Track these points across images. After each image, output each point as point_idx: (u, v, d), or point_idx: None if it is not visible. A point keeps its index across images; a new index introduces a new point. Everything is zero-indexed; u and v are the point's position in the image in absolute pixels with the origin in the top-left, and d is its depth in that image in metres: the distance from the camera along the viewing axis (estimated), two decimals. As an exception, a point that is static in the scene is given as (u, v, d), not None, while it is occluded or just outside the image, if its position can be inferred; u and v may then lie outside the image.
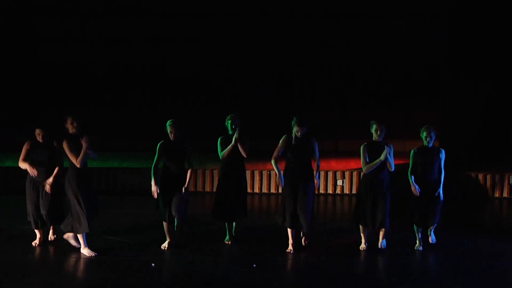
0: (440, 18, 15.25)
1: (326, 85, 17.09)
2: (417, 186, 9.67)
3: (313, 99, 17.07)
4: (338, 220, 12.35)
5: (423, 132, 9.77)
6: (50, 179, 9.86)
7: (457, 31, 14.72)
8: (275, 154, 9.79)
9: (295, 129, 9.70)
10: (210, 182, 14.16)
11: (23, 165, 9.89)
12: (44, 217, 10.02)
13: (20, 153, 9.96)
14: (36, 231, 10.15)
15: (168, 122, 9.89)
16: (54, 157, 9.96)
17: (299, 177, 9.76)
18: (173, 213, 9.91)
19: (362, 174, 9.96)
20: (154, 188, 9.82)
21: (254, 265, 9.35)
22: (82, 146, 9.56)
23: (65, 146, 9.64)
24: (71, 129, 9.73)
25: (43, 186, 9.91)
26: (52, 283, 8.68)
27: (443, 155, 9.75)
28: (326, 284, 8.75)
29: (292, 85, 17.17)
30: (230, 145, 9.91)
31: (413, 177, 9.74)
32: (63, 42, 17.07)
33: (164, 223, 10.05)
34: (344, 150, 15.93)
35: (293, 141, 9.71)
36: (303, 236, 10.04)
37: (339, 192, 14.21)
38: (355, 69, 17.03)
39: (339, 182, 14.12)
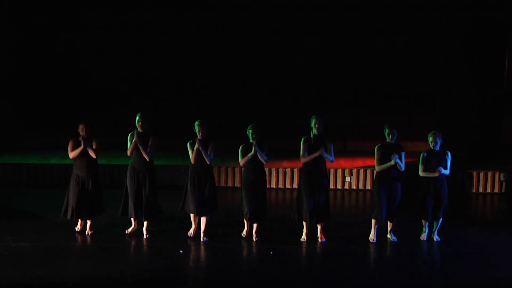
0: (437, 32, 15.30)
1: (336, 91, 17.15)
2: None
3: (324, 104, 17.14)
4: (346, 213, 12.42)
5: (429, 137, 9.89)
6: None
7: (451, 43, 14.76)
8: (302, 154, 9.87)
9: (313, 126, 9.83)
10: (232, 178, 14.22)
11: (72, 154, 10.12)
12: (86, 211, 10.25)
13: (65, 153, 10.29)
14: (79, 220, 10.40)
15: (196, 122, 10.01)
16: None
17: (315, 175, 9.87)
18: (202, 205, 10.06)
19: (375, 172, 10.07)
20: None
21: (271, 252, 9.52)
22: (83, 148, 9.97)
23: (69, 144, 10.09)
24: (81, 133, 10.06)
25: (88, 182, 10.16)
26: (88, 267, 8.97)
27: (448, 157, 9.86)
28: (336, 268, 8.96)
29: (306, 92, 17.26)
30: (250, 154, 9.88)
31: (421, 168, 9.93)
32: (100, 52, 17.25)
33: (191, 215, 10.22)
34: (352, 150, 15.98)
35: (312, 141, 9.82)
36: (320, 228, 10.09)
37: (347, 188, 14.28)
38: (362, 77, 17.10)
39: (347, 179, 14.19)
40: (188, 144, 10.07)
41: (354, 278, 8.66)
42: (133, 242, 10.01)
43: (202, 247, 9.85)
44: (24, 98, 16.64)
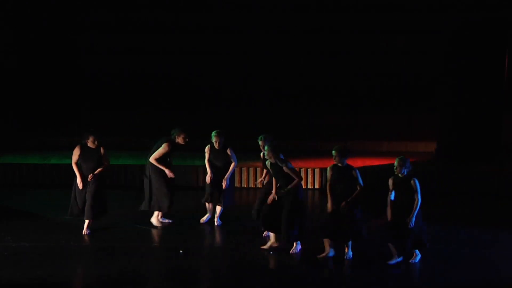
0: (437, 34, 15.35)
1: (337, 91, 17.19)
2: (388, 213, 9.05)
3: (325, 104, 17.20)
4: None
5: (395, 161, 9.05)
6: (93, 174, 10.24)
7: (451, 43, 14.77)
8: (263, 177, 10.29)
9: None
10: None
11: (75, 167, 10.26)
12: (87, 210, 10.29)
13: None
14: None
15: (213, 133, 10.48)
16: (101, 160, 10.31)
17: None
18: (220, 199, 10.63)
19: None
20: (209, 174, 10.60)
21: (271, 252, 9.57)
22: (92, 156, 10.18)
23: (77, 149, 10.21)
24: (91, 145, 10.24)
25: (91, 183, 10.25)
26: (88, 267, 9.06)
27: (416, 185, 8.92)
28: (335, 267, 9.03)
29: (306, 92, 17.30)
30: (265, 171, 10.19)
31: (389, 201, 9.05)
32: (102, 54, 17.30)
33: (207, 204, 10.78)
34: (352, 150, 15.92)
35: (269, 166, 9.68)
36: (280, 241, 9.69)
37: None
38: (363, 78, 17.13)
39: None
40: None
41: (353, 277, 8.67)
42: (133, 242, 10.00)
43: (202, 247, 9.86)
44: (24, 98, 16.65)
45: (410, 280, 8.75)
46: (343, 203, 9.13)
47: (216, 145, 10.53)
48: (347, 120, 16.98)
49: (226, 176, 10.59)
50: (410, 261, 9.11)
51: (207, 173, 10.69)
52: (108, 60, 17.17)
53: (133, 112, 17.09)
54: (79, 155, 10.21)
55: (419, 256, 9.17)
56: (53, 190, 13.29)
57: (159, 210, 10.73)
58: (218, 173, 10.63)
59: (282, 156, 9.57)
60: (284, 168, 9.40)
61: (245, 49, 17.03)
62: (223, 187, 10.60)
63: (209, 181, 10.63)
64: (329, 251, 9.36)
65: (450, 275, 8.75)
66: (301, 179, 9.62)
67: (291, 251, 9.53)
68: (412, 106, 16.71)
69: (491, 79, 14.59)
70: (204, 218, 10.88)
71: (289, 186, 9.43)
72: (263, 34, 16.97)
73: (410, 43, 16.64)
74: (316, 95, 17.21)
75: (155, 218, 10.78)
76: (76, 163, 10.22)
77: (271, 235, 9.68)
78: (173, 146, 10.61)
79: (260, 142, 10.10)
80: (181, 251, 9.57)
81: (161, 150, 10.57)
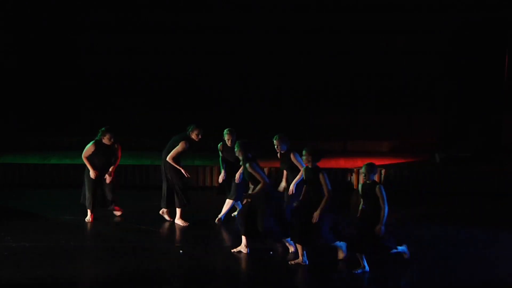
0: (437, 34, 15.38)
1: (337, 91, 17.19)
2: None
3: (324, 104, 17.20)
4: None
5: (362, 168, 8.84)
6: (109, 172, 10.82)
7: (451, 43, 14.78)
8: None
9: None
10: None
11: (85, 161, 10.73)
12: (104, 200, 10.90)
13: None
14: (89, 211, 10.84)
15: (225, 131, 10.67)
16: (114, 156, 10.83)
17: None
18: (232, 192, 10.76)
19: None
20: (222, 174, 10.86)
21: (271, 252, 9.60)
22: (106, 153, 10.68)
23: (92, 146, 10.62)
24: (107, 142, 10.66)
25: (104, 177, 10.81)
26: (88, 267, 9.12)
27: (381, 192, 8.61)
28: (334, 267, 9.06)
29: (306, 92, 17.31)
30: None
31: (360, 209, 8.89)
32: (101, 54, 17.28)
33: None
34: (352, 150, 15.97)
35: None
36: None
37: (347, 188, 14.25)
38: (363, 78, 17.13)
39: (347, 179, 14.15)
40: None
41: (353, 277, 8.67)
42: (133, 242, 10.01)
43: (202, 247, 9.87)
44: (24, 97, 16.65)
45: (410, 280, 8.76)
46: (314, 214, 8.87)
47: (228, 143, 10.68)
48: (347, 120, 16.96)
49: (239, 171, 10.56)
50: (405, 258, 9.11)
51: (214, 173, 10.92)
52: (108, 60, 17.14)
53: (133, 112, 17.08)
54: (93, 152, 10.63)
55: (406, 251, 9.08)
56: (53, 190, 13.30)
57: (182, 207, 10.81)
58: (231, 169, 10.77)
59: (250, 155, 9.32)
60: (248, 167, 9.21)
61: (245, 49, 17.02)
62: (236, 181, 10.65)
63: (221, 180, 10.86)
64: (304, 260, 9.07)
65: (450, 275, 8.76)
66: (266, 182, 9.21)
67: (291, 251, 9.55)
68: (412, 106, 16.70)
69: (491, 79, 14.60)
70: (235, 214, 11.05)
71: (253, 192, 9.23)
72: (263, 34, 16.95)
73: (410, 43, 16.63)
74: (316, 95, 17.19)
75: (179, 220, 10.85)
76: (87, 157, 10.65)
77: (243, 240, 9.50)
78: (190, 143, 10.65)
79: (275, 142, 10.10)
80: (181, 251, 9.58)
81: (179, 148, 10.60)
